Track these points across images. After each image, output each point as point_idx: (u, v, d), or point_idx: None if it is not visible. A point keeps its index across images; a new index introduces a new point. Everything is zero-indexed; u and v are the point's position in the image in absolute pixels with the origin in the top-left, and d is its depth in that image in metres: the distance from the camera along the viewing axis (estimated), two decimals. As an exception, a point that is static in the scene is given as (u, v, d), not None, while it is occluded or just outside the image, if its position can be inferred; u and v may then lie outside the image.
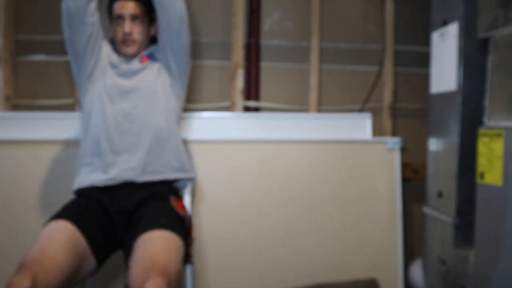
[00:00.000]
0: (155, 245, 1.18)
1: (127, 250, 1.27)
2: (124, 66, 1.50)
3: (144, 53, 1.54)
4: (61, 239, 1.18)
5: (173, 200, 1.41)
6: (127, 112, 1.44)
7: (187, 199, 1.55)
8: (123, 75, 1.49)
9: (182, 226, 1.34)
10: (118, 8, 1.48)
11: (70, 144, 1.75)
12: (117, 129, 1.42)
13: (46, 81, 1.96)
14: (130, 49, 1.50)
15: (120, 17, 1.48)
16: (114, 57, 1.52)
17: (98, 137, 1.42)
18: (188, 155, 1.60)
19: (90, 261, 1.26)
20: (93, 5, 1.43)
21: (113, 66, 1.51)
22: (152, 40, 1.59)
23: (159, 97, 1.49)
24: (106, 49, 1.54)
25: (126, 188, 1.39)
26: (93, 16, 1.43)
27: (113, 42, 1.58)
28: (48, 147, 1.77)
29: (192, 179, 1.56)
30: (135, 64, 1.51)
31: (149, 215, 1.31)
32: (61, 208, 1.35)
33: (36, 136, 1.80)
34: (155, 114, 1.47)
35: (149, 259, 1.13)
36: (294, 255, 1.87)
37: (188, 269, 1.43)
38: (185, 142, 1.83)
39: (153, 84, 1.49)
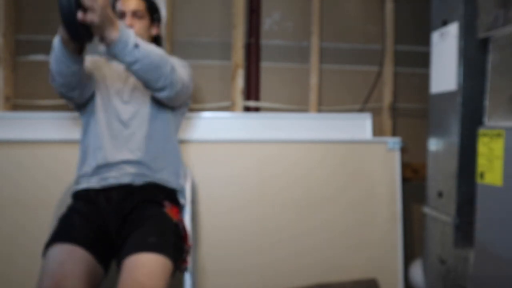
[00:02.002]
0: (140, 273, 1.16)
1: (118, 260, 1.27)
2: (123, 92, 1.47)
3: None
4: (74, 269, 1.17)
5: (167, 206, 1.40)
6: (125, 135, 1.43)
7: (187, 208, 1.54)
8: (121, 98, 1.47)
9: (174, 238, 1.33)
10: (120, 5, 1.49)
11: (70, 144, 1.75)
12: (115, 147, 1.42)
13: (46, 81, 1.94)
14: None
15: (122, 14, 1.49)
16: (111, 75, 1.49)
17: (96, 155, 1.41)
18: (184, 174, 1.58)
19: (100, 273, 1.27)
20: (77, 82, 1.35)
21: (110, 88, 1.47)
22: (154, 40, 1.58)
23: (157, 119, 1.48)
24: (102, 71, 1.50)
25: (123, 190, 1.39)
26: (80, 84, 1.37)
27: None
28: (48, 147, 1.77)
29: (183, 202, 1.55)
30: (134, 82, 1.48)
31: (141, 228, 1.29)
32: (60, 222, 1.33)
33: (36, 136, 1.80)
34: (153, 136, 1.45)
35: None
36: (294, 255, 1.87)
37: (188, 278, 1.42)
38: (186, 142, 1.83)
39: (150, 108, 1.46)
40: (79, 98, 1.41)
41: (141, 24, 1.49)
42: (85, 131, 1.48)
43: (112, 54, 1.22)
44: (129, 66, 1.25)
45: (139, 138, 1.43)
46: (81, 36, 1.15)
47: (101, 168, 1.40)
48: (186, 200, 1.54)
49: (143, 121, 1.45)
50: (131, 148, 1.42)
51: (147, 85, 1.33)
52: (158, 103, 1.48)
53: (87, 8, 1.10)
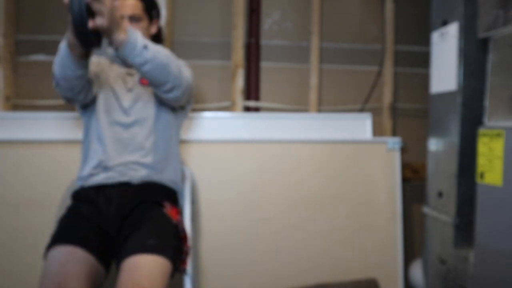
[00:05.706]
0: (139, 275, 1.16)
1: (117, 261, 1.27)
2: (125, 96, 1.46)
3: None
4: (75, 270, 1.18)
5: (167, 207, 1.40)
6: (127, 136, 1.43)
7: (186, 208, 1.54)
8: (124, 99, 1.46)
9: (174, 240, 1.33)
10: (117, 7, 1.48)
11: (70, 144, 1.75)
12: (117, 148, 1.42)
13: (46, 81, 1.95)
14: None
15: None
16: (114, 76, 1.49)
17: (97, 156, 1.41)
18: (183, 175, 1.58)
19: (101, 273, 1.28)
20: (83, 84, 1.36)
21: (113, 89, 1.47)
22: (153, 39, 1.58)
23: (159, 121, 1.48)
24: (106, 73, 1.50)
25: (122, 190, 1.39)
26: (84, 87, 1.37)
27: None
28: (48, 147, 1.77)
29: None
30: (136, 87, 1.48)
31: (140, 230, 1.29)
32: (60, 223, 1.33)
33: (36, 136, 1.80)
34: (155, 137, 1.45)
35: None
36: (294, 255, 1.87)
37: (188, 281, 1.41)
38: (186, 142, 1.83)
39: (152, 113, 1.46)
40: (83, 101, 1.42)
41: (139, 27, 1.48)
42: (87, 131, 1.48)
43: (121, 56, 1.23)
44: (139, 67, 1.25)
45: (140, 139, 1.43)
46: (91, 43, 1.16)
47: (101, 168, 1.40)
48: (186, 201, 1.55)
49: (145, 122, 1.45)
50: (132, 149, 1.42)
51: (157, 86, 1.34)
52: (161, 105, 1.49)
53: (96, 13, 1.10)
